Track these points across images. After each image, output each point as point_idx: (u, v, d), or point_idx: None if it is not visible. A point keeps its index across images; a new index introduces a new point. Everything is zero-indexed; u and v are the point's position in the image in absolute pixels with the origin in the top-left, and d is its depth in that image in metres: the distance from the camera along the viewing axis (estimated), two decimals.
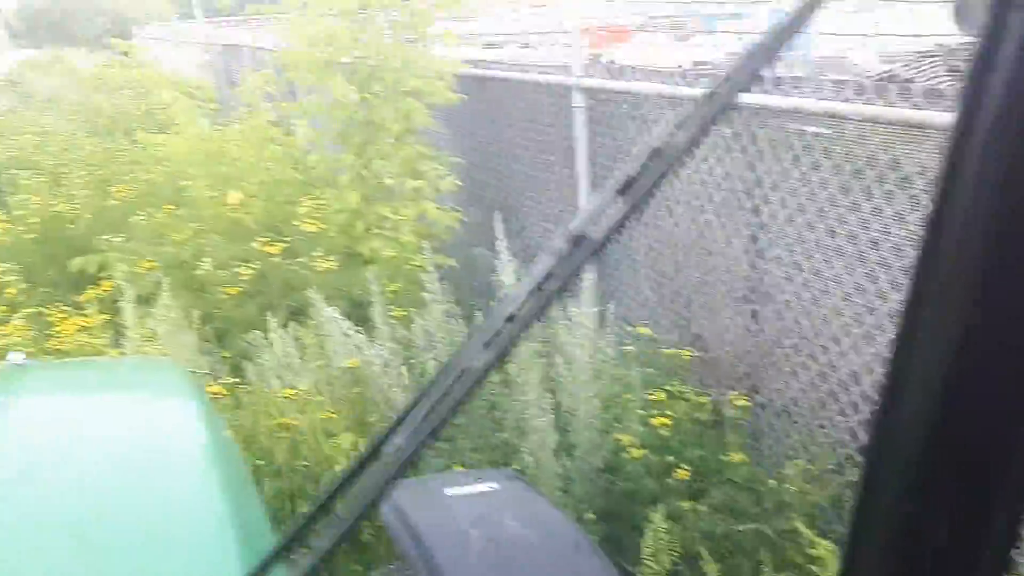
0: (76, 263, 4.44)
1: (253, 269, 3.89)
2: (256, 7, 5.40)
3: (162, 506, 1.27)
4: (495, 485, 1.70)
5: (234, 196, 4.39)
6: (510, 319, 0.63)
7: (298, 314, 3.98)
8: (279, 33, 4.79)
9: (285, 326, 3.71)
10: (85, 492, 1.28)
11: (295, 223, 4.47)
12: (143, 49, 5.33)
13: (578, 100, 3.85)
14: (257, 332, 3.46)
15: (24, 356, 1.82)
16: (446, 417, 0.63)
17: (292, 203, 4.57)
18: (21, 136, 8.44)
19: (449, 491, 1.62)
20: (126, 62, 26.16)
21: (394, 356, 3.27)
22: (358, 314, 3.74)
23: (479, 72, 4.34)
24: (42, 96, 14.43)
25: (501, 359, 0.63)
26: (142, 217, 4.56)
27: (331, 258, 4.10)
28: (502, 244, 3.43)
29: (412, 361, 3.30)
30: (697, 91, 3.22)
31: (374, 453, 0.67)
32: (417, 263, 4.24)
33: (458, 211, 4.69)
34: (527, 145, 4.35)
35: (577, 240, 0.63)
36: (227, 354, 3.75)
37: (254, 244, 4.09)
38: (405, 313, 3.74)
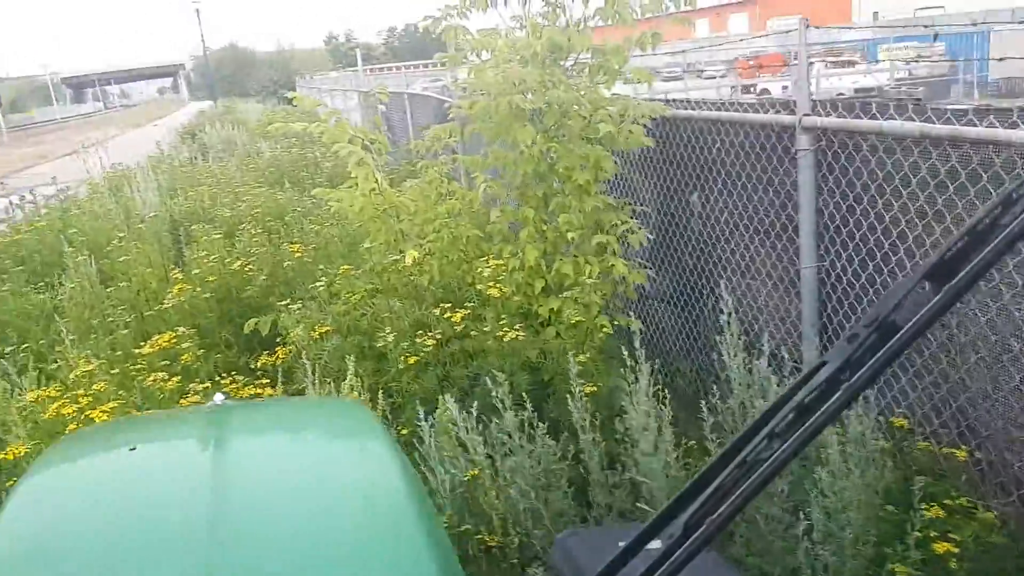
0: (250, 324, 4.30)
1: (434, 339, 3.56)
2: (436, 55, 5.20)
3: (364, 539, 1.30)
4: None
5: (411, 255, 4.11)
6: (802, 410, 0.58)
7: (475, 385, 3.63)
8: (453, 82, 4.50)
9: (463, 400, 3.34)
10: (289, 523, 1.32)
11: (471, 284, 4.15)
12: (307, 100, 5.19)
13: (803, 142, 3.28)
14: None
15: (225, 397, 1.93)
16: (729, 512, 0.59)
17: (469, 261, 4.24)
18: (197, 187, 8.78)
19: (623, 544, 1.42)
20: (290, 111, 27.71)
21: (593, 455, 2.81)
22: (538, 394, 3.32)
23: (682, 113, 3.84)
24: (216, 147, 15.39)
25: (793, 452, 0.59)
26: (319, 278, 4.38)
27: (511, 324, 3.72)
28: (728, 307, 2.91)
29: (623, 459, 2.82)
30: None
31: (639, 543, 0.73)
32: (604, 326, 3.80)
33: (647, 267, 4.20)
34: (731, 192, 3.80)
35: (884, 328, 0.57)
36: (403, 431, 3.44)
37: (434, 309, 3.77)
38: (596, 389, 3.28)
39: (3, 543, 1.29)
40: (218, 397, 1.89)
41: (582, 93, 3.95)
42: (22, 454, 2.77)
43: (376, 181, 4.84)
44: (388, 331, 3.57)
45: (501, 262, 3.97)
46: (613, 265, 3.98)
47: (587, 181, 3.92)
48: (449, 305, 3.79)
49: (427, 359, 3.60)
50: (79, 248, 5.88)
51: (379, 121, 5.15)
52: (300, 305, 4.26)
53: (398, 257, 4.39)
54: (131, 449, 1.62)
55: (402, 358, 3.57)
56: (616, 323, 3.97)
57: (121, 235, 6.12)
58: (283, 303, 4.30)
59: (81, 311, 4.71)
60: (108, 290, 4.69)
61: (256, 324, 4.34)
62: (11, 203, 7.11)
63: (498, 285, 3.84)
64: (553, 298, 4.03)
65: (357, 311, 4.00)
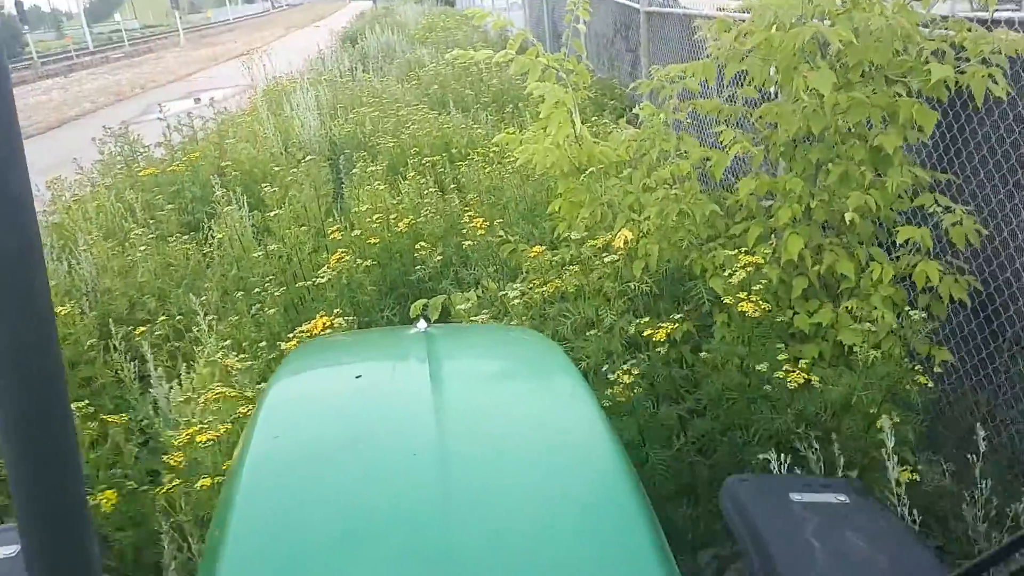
0: (416, 307, 3.48)
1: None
2: None
3: (570, 464, 1.36)
4: (843, 496, 1.58)
5: (623, 234, 3.10)
6: None
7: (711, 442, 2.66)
8: None
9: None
10: (495, 441, 1.40)
11: (701, 276, 3.09)
12: (480, 12, 4.16)
13: None
14: None
15: (426, 324, 1.94)
16: None
17: (700, 245, 3.17)
18: (358, 108, 8.05)
19: (795, 496, 1.55)
20: (450, 13, 26.64)
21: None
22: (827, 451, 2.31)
23: None
24: (376, 56, 14.69)
25: None
26: (499, 253, 3.46)
27: (754, 340, 2.67)
28: None
29: None
30: None
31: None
32: (916, 370, 2.65)
33: (970, 275, 2.95)
34: None
35: None
36: None
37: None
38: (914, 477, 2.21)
39: (263, 446, 1.41)
40: (421, 324, 1.93)
41: (890, 16, 2.68)
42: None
43: (573, 126, 3.80)
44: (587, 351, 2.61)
45: (753, 257, 2.86)
46: (917, 267, 2.79)
47: (895, 146, 2.70)
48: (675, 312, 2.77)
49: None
50: (232, 186, 5.28)
51: (580, 46, 4.05)
52: (477, 291, 3.39)
53: (593, 229, 3.39)
54: (358, 377, 1.73)
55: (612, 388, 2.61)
56: (917, 356, 2.82)
57: (277, 168, 5.46)
58: (452, 282, 3.44)
59: (227, 269, 4.08)
60: (257, 251, 4.00)
61: (424, 305, 3.52)
62: (168, 125, 6.61)
63: (741, 288, 2.76)
64: (826, 307, 2.91)
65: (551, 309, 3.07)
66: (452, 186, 5.37)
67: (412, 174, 5.17)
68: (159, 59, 33.77)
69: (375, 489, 1.25)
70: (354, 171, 5.54)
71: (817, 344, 2.93)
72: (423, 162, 5.78)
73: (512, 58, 3.82)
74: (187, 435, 2.34)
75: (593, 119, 7.86)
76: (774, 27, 2.40)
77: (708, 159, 3.11)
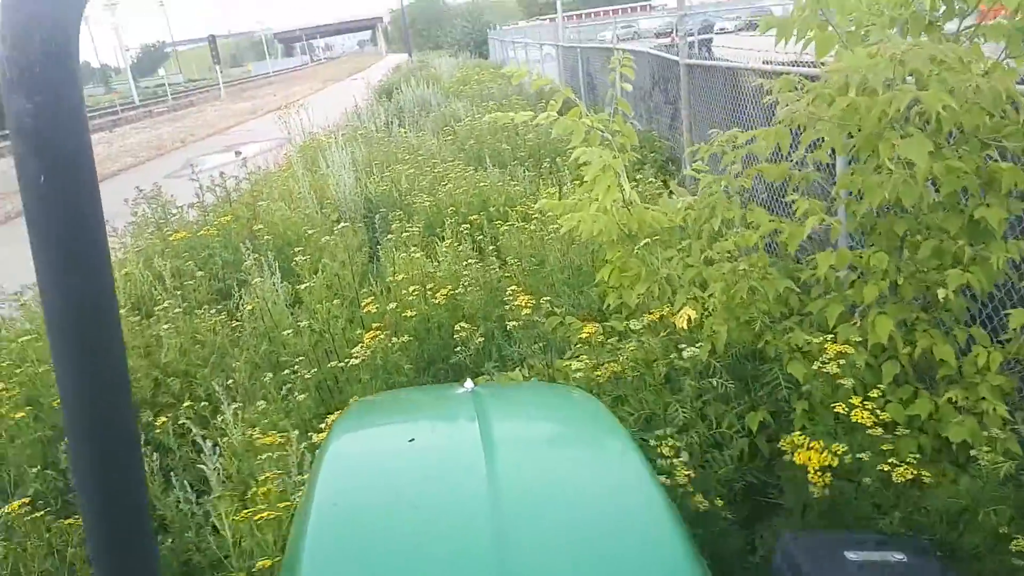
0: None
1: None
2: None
3: (626, 528, 1.34)
4: (902, 556, 1.53)
5: (686, 312, 2.81)
6: None
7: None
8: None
9: None
10: (553, 507, 1.39)
11: (775, 360, 2.77)
12: (519, 72, 3.88)
13: None
14: None
15: (472, 384, 1.96)
16: None
17: (771, 325, 2.86)
18: (394, 165, 7.91)
19: (850, 555, 1.50)
20: (483, 65, 26.84)
21: None
22: None
23: None
24: (411, 109, 14.72)
25: None
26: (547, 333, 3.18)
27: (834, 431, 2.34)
28: None
29: None
30: None
31: None
32: None
33: None
34: None
35: None
36: None
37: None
38: None
39: (326, 504, 1.45)
40: (468, 383, 1.95)
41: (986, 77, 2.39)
42: None
43: (622, 191, 3.54)
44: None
45: (841, 345, 2.54)
46: None
47: (1000, 219, 2.39)
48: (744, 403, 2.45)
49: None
50: (264, 250, 5.09)
51: (625, 106, 3.82)
52: (523, 370, 3.11)
53: (656, 312, 3.10)
54: (411, 440, 1.75)
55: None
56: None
57: (311, 231, 5.28)
58: (496, 363, 3.17)
59: (258, 343, 3.85)
60: (288, 324, 3.76)
61: None
62: (200, 185, 6.51)
63: (830, 382, 2.44)
64: (922, 397, 2.57)
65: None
66: (491, 248, 5.13)
67: (449, 239, 4.94)
68: (200, 113, 34.67)
69: (434, 557, 1.27)
70: (389, 235, 5.34)
71: (914, 438, 2.59)
72: (460, 224, 5.57)
73: (554, 119, 3.60)
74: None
75: (637, 176, 7.65)
76: (854, 90, 2.12)
77: (778, 230, 2.82)
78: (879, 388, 2.60)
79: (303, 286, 4.05)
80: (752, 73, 6.24)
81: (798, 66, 5.89)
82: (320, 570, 1.25)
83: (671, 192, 3.88)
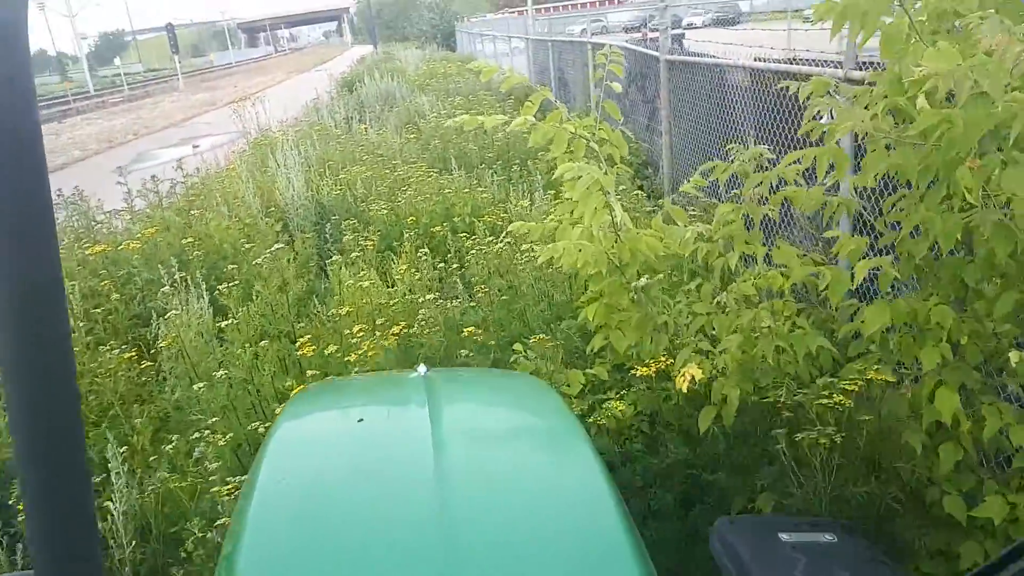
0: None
1: None
2: None
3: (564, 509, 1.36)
4: (832, 537, 1.58)
5: (689, 371, 2.23)
6: None
7: None
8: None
9: None
10: (497, 489, 1.40)
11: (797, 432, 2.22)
12: (489, 68, 3.27)
13: None
14: None
15: (426, 368, 1.96)
16: None
17: (799, 388, 2.29)
18: (351, 167, 7.25)
19: (784, 536, 1.55)
20: (451, 58, 26.12)
21: None
22: None
23: None
24: (374, 104, 14.01)
25: None
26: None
27: None
28: None
29: None
30: None
31: None
32: None
33: None
34: None
35: None
36: None
37: None
38: None
39: (269, 483, 1.45)
40: (421, 368, 1.94)
41: None
42: None
43: (611, 214, 2.96)
44: None
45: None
46: None
47: None
48: None
49: None
50: (195, 266, 4.44)
51: (615, 109, 3.23)
52: None
53: (653, 365, 2.52)
54: (360, 420, 1.73)
55: None
56: None
57: (248, 245, 4.62)
58: None
59: (172, 390, 3.20)
60: (203, 385, 3.07)
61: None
62: (129, 190, 5.79)
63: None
64: (992, 497, 2.02)
65: None
66: (455, 267, 4.52)
67: (406, 263, 4.31)
68: (156, 104, 33.40)
69: (377, 532, 1.28)
70: (339, 248, 4.70)
71: (979, 542, 2.05)
72: (420, 238, 4.95)
73: (531, 126, 3.00)
74: None
75: (620, 188, 7.09)
76: (962, 96, 1.55)
77: (816, 274, 2.24)
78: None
79: (226, 322, 3.38)
80: (741, 71, 5.72)
81: (795, 63, 5.39)
82: (260, 553, 1.23)
83: (661, 211, 3.31)
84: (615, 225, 2.99)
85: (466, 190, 5.89)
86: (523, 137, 8.56)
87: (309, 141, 8.45)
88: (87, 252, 4.52)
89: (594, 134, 3.15)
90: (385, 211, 5.58)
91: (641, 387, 2.78)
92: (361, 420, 1.72)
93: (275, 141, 8.69)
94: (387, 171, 6.99)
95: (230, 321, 3.33)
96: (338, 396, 2.10)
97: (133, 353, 3.42)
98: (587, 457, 1.47)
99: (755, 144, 5.77)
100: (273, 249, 3.78)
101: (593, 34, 21.06)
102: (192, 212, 5.23)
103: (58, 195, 5.60)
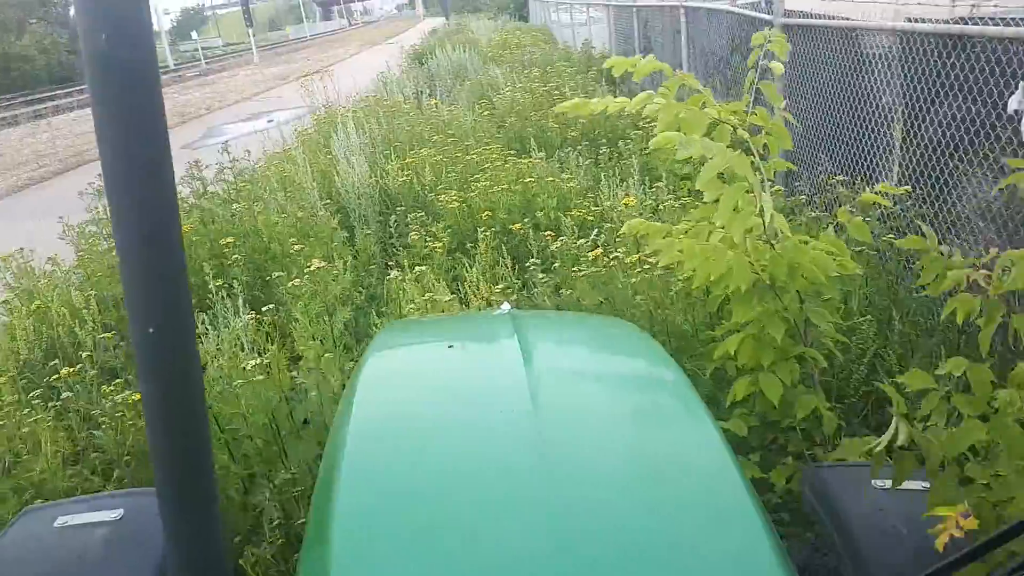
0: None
1: None
2: None
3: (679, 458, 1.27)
4: (926, 483, 1.47)
5: (958, 518, 1.39)
6: None
7: None
8: None
9: None
10: (601, 427, 1.33)
11: None
12: (622, 61, 2.45)
13: None
14: None
15: (511, 305, 2.00)
16: None
17: None
18: (419, 150, 6.50)
19: (878, 482, 1.49)
20: (524, 28, 25.16)
21: None
22: None
23: None
24: (445, 77, 13.25)
25: None
26: None
27: None
28: None
29: None
30: None
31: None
32: None
33: None
34: None
35: None
36: None
37: None
38: None
39: (364, 419, 1.39)
40: (505, 306, 1.93)
41: None
42: None
43: (761, 216, 2.12)
44: None
45: None
46: None
47: None
48: None
49: None
50: (237, 270, 3.78)
51: (775, 95, 2.39)
52: None
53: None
54: (450, 347, 1.73)
55: None
56: None
57: (297, 247, 3.92)
58: None
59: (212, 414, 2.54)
60: (226, 413, 2.39)
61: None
62: (185, 170, 5.18)
63: None
64: None
65: None
66: (541, 276, 3.73)
67: (478, 275, 3.54)
68: (231, 78, 33.45)
69: (476, 453, 1.23)
70: (404, 243, 3.97)
71: None
72: (498, 235, 4.18)
73: (659, 107, 2.17)
74: None
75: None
76: None
77: None
78: None
79: (254, 362, 2.64)
80: (888, 35, 4.72)
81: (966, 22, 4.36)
82: (357, 494, 1.17)
83: (836, 223, 2.44)
84: (766, 230, 2.15)
85: (549, 178, 5.06)
86: (611, 112, 7.68)
87: (375, 119, 7.74)
88: (111, 255, 3.90)
89: (742, 120, 2.30)
90: (456, 203, 4.82)
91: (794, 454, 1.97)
92: (451, 347, 1.71)
93: (340, 118, 8.02)
94: (459, 153, 6.22)
95: (258, 361, 2.61)
96: (424, 331, 2.09)
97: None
98: (695, 408, 1.38)
99: (904, 126, 4.74)
100: (313, 268, 3.05)
101: None
102: (236, 204, 4.57)
103: (89, 186, 5.02)
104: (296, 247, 3.91)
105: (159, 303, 0.70)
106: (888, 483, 1.48)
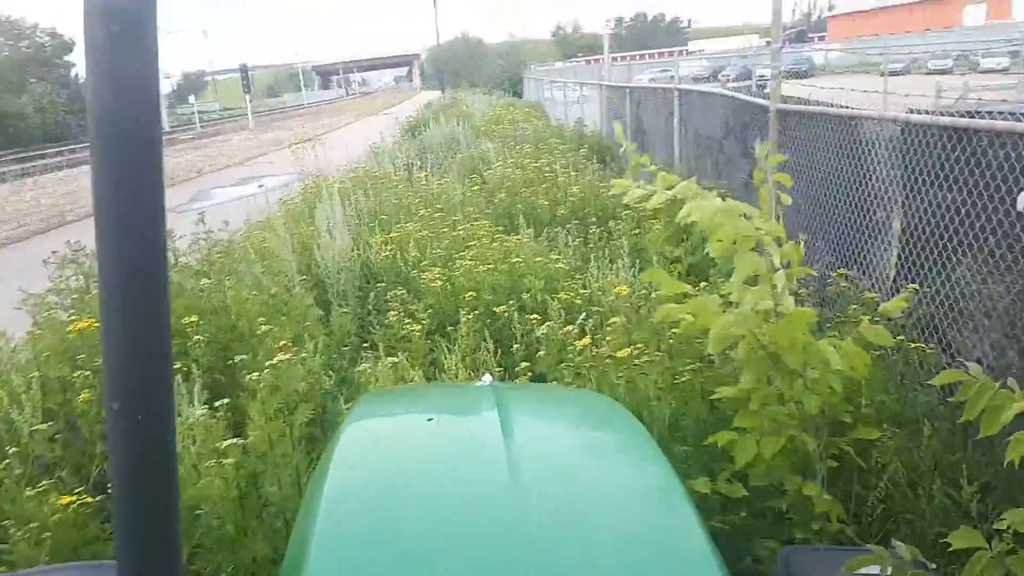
0: None
1: None
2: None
3: (651, 536, 1.26)
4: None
5: None
6: None
7: None
8: None
9: None
10: (575, 502, 1.32)
11: None
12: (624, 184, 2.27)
13: None
14: None
15: (492, 378, 1.96)
16: None
17: None
18: (404, 224, 6.32)
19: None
20: (516, 104, 25.51)
21: None
22: None
23: None
24: (437, 150, 13.26)
25: None
26: None
27: None
28: None
29: None
30: None
31: None
32: None
33: None
34: None
35: None
36: None
37: None
38: None
39: (337, 490, 1.36)
40: (486, 378, 1.92)
41: None
42: None
43: (774, 291, 1.91)
44: None
45: None
46: None
47: None
48: None
49: None
50: (198, 354, 3.52)
51: (786, 196, 2.21)
52: None
53: None
54: (429, 420, 1.70)
55: None
56: None
57: (266, 327, 3.67)
58: None
59: None
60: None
61: None
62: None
63: None
64: None
65: None
66: (525, 366, 3.49)
67: (458, 361, 3.29)
68: (225, 142, 33.69)
69: (452, 533, 1.22)
70: (382, 321, 3.71)
71: None
72: (481, 317, 3.94)
73: (694, 208, 1.98)
74: None
75: (683, 235, 5.98)
76: None
77: None
78: None
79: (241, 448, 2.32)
80: (887, 125, 4.62)
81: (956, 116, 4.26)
82: (327, 563, 1.14)
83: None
84: (775, 298, 1.95)
85: (538, 258, 4.86)
86: (601, 190, 7.57)
87: (363, 190, 7.60)
88: (67, 329, 3.62)
89: (774, 236, 2.12)
90: (440, 280, 4.59)
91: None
92: (431, 420, 1.69)
93: (326, 188, 7.87)
94: (446, 228, 6.04)
95: (212, 463, 2.31)
96: (404, 402, 2.06)
97: (79, 498, 2.43)
98: (669, 481, 1.37)
99: (904, 216, 4.58)
100: (275, 360, 2.79)
101: (652, 80, 20.01)
102: (207, 278, 4.32)
103: (58, 250, 4.78)
104: (265, 326, 3.65)
105: (140, 381, 0.67)
106: (868, 570, 1.48)
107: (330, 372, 3.70)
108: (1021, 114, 4.01)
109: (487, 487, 1.30)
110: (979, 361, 3.76)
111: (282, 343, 3.43)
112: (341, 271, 5.19)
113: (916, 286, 3.67)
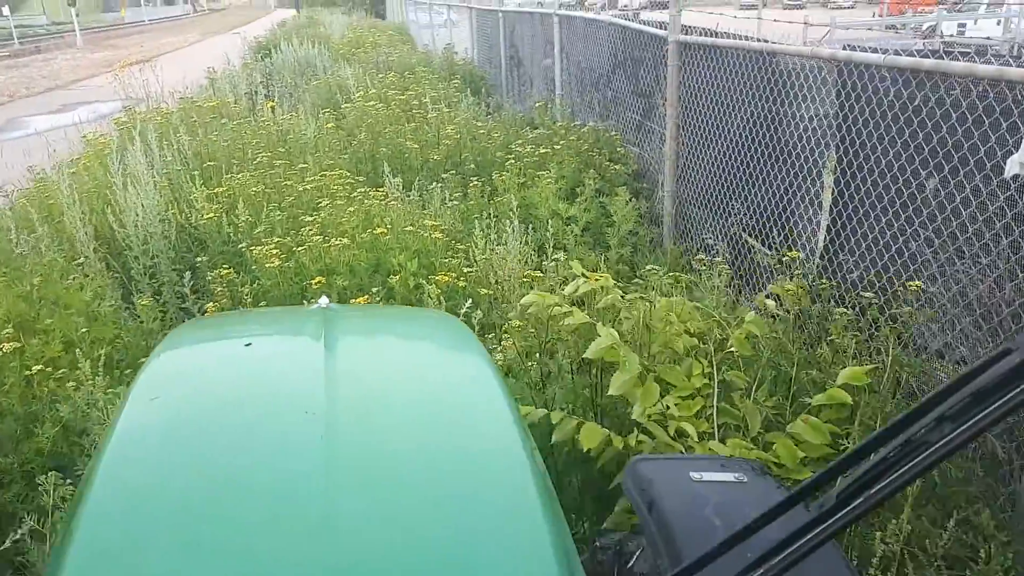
0: None
1: None
2: None
3: (474, 452, 1.25)
4: (742, 476, 1.58)
5: None
6: (980, 396, 0.53)
7: None
8: None
9: None
10: (395, 425, 1.28)
11: None
12: None
13: None
14: None
15: (329, 300, 1.83)
16: (890, 489, 0.58)
17: None
18: (237, 173, 5.12)
19: (695, 475, 1.55)
20: (380, 25, 23.64)
21: None
22: None
23: None
24: (288, 75, 11.71)
25: (969, 437, 0.53)
26: None
27: None
28: None
29: None
30: None
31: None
32: None
33: None
34: None
35: None
36: None
37: None
38: None
39: (136, 418, 1.29)
40: (323, 300, 1.82)
41: None
42: None
43: None
44: None
45: None
46: None
47: None
48: None
49: None
50: None
51: None
52: None
53: None
54: (247, 345, 1.62)
55: None
56: None
57: (12, 344, 2.53)
58: None
59: None
60: None
61: None
62: None
63: None
64: None
65: None
66: None
67: None
68: (48, 61, 29.64)
69: (254, 455, 1.16)
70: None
71: None
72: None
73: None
74: None
75: (577, 189, 5.18)
76: None
77: None
78: None
79: None
80: (824, 63, 3.89)
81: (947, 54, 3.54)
82: (107, 501, 1.06)
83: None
84: None
85: (408, 227, 3.85)
86: (479, 131, 6.58)
87: (188, 125, 6.24)
88: None
89: None
90: (279, 260, 3.52)
91: None
92: (248, 345, 1.59)
93: (142, 122, 6.42)
94: (292, 179, 4.89)
95: None
96: (224, 328, 1.94)
97: None
98: (500, 402, 1.35)
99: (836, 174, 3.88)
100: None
101: (557, 4, 18.70)
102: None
103: None
104: (10, 343, 2.51)
105: None
106: (706, 475, 1.51)
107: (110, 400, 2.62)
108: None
109: (294, 416, 1.22)
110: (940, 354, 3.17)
111: (38, 367, 2.33)
112: (149, 239, 3.99)
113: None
